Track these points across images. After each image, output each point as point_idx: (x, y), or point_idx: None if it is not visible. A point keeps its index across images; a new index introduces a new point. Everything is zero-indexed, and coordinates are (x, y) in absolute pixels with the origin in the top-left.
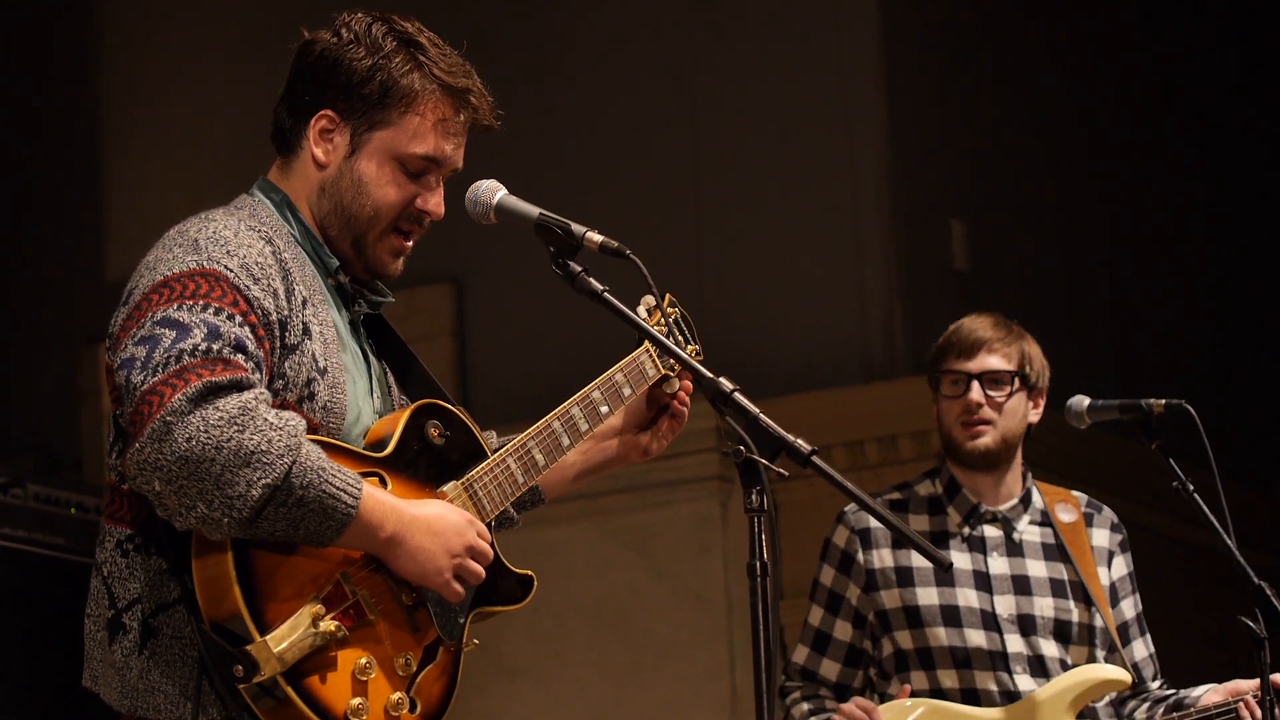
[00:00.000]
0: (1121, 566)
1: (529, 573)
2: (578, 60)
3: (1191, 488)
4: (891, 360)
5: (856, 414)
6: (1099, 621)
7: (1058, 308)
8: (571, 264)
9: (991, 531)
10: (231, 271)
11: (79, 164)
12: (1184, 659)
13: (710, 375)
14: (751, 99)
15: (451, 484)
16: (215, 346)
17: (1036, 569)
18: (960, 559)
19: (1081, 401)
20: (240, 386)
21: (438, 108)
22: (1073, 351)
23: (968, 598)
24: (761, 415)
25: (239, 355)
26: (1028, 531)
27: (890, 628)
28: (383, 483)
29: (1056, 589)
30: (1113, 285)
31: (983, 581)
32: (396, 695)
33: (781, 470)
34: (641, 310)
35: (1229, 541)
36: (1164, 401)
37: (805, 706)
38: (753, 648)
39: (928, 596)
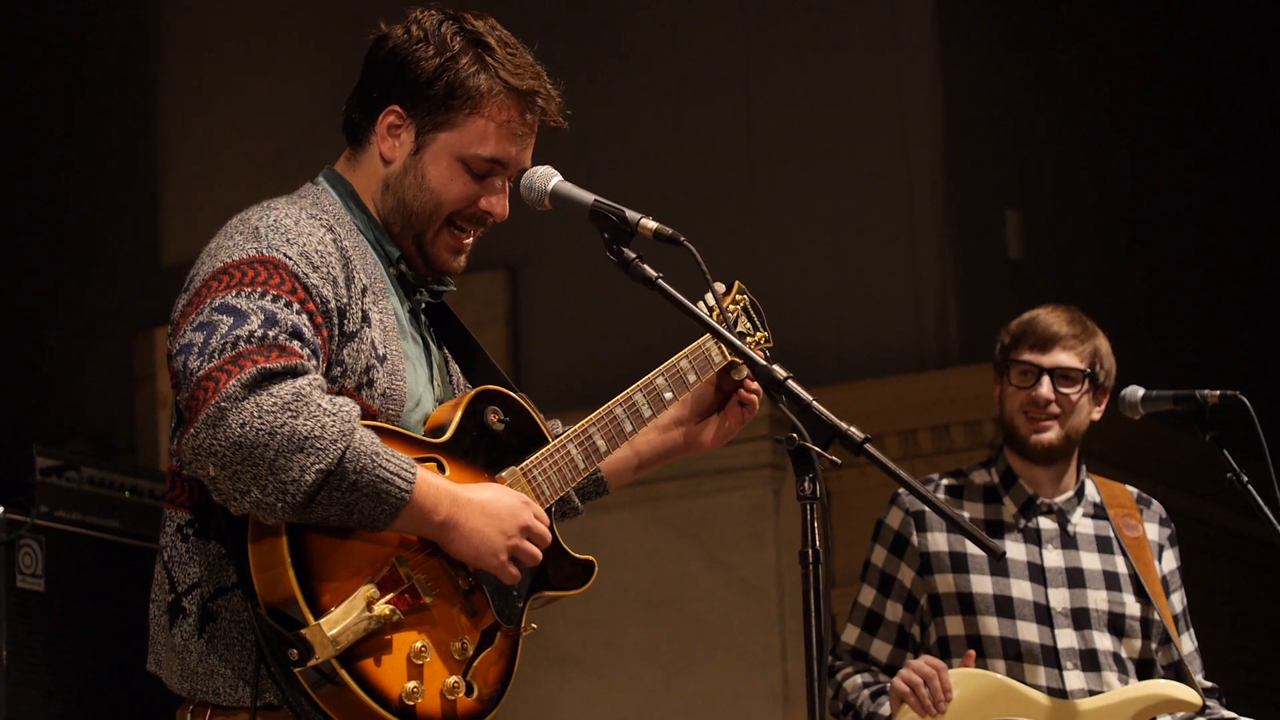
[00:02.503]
0: (1171, 560)
1: (589, 558)
2: (634, 49)
3: (1246, 479)
4: (945, 349)
5: (910, 403)
6: (1155, 615)
7: (1110, 297)
8: (626, 251)
9: (1047, 524)
10: (290, 259)
11: (135, 148)
12: (1218, 646)
13: (764, 362)
14: (806, 88)
15: (510, 469)
16: (271, 333)
17: (1090, 561)
18: (1015, 550)
19: (1136, 392)
20: (295, 373)
21: (503, 109)
22: (1120, 340)
23: (1022, 589)
24: (815, 403)
25: (295, 342)
26: (1081, 524)
27: (941, 612)
28: (440, 468)
29: (1110, 582)
30: (1151, 275)
31: (1037, 574)
32: (453, 679)
33: (834, 458)
34: (710, 297)
35: None
36: (1219, 392)
37: (858, 679)
38: (805, 636)
39: (981, 585)
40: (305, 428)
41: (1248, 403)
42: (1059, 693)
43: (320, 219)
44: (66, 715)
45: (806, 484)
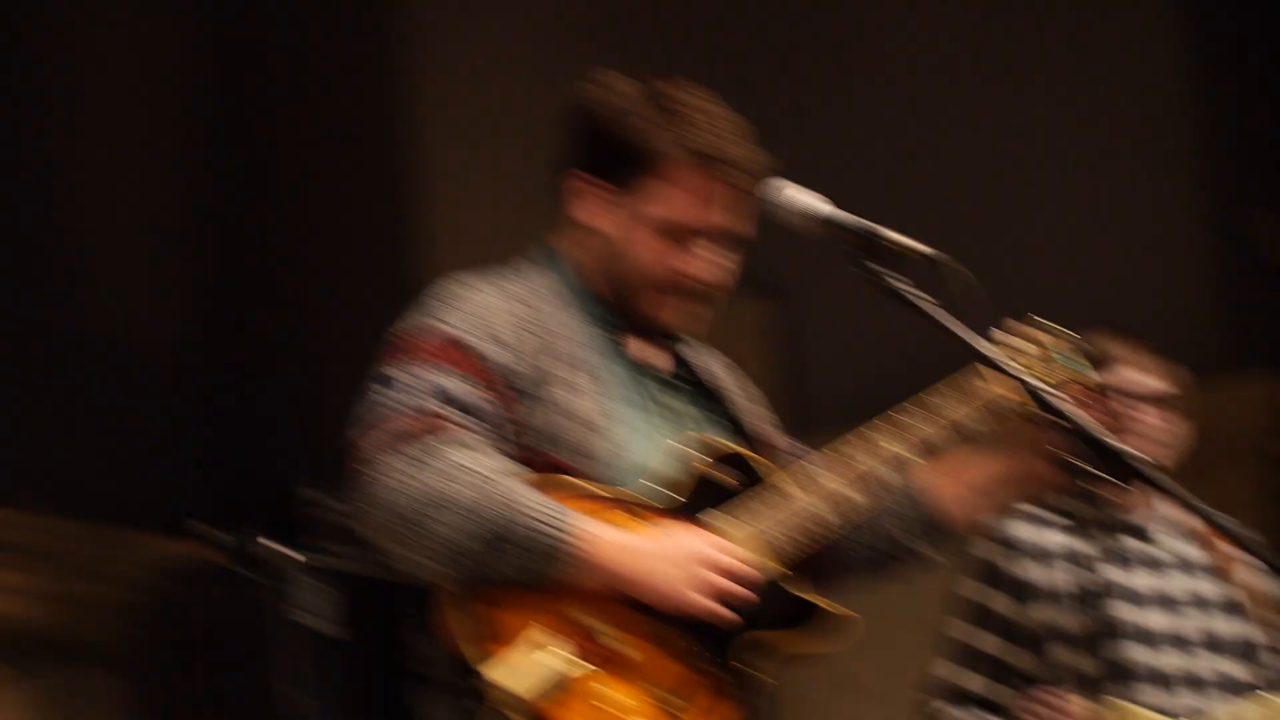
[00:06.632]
0: None
1: (848, 613)
2: (885, 58)
3: None
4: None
5: None
6: None
7: None
8: (893, 277)
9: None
10: (460, 329)
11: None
12: None
13: (1042, 386)
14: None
15: (730, 520)
16: (417, 401)
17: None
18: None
19: None
20: (434, 432)
21: (690, 175)
22: None
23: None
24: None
25: (443, 405)
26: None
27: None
28: (636, 518)
29: None
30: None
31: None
32: None
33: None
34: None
35: None
36: None
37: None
38: None
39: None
40: (439, 484)
41: None
42: None
43: (505, 289)
44: None
45: None
